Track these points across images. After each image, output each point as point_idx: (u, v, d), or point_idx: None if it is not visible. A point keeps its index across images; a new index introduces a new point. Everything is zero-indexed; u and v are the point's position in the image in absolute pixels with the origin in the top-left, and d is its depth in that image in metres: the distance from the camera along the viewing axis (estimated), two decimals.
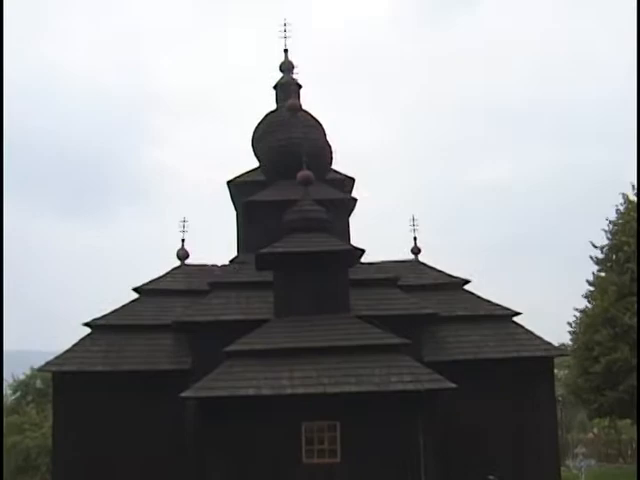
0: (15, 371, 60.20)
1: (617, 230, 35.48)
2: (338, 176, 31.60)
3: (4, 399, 53.22)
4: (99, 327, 27.47)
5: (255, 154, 32.72)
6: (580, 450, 16.00)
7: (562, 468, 26.68)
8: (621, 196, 36.08)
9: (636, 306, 31.72)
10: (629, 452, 46.36)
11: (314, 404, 21.69)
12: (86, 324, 27.63)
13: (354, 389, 21.77)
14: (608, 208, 36.55)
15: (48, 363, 26.78)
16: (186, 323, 26.13)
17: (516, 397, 26.38)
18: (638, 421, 19.58)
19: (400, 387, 21.89)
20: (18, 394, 59.52)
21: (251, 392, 21.84)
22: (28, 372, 59.39)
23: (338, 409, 21.81)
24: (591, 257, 36.25)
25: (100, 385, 25.70)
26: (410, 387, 21.85)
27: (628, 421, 38.86)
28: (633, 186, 35.62)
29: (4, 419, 47.48)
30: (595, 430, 50.90)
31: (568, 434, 52.11)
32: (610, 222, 35.96)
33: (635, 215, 34.26)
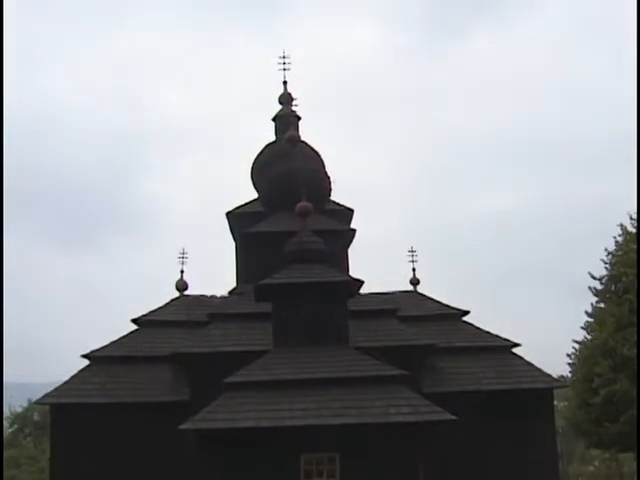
0: (12, 403, 59.87)
1: (616, 261, 35.51)
2: (337, 207, 31.73)
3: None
4: (97, 359, 27.44)
5: (254, 185, 32.93)
6: None
7: None
8: (619, 227, 36.17)
9: (636, 337, 31.64)
10: None
11: (313, 436, 21.53)
12: (84, 356, 27.61)
13: (353, 421, 21.63)
14: (607, 239, 36.65)
15: (46, 395, 26.69)
16: (185, 354, 26.07)
17: (516, 429, 26.28)
18: (638, 454, 19.39)
19: (399, 419, 21.76)
20: (15, 427, 59.17)
21: (250, 424, 21.68)
22: (25, 404, 59.11)
23: (337, 441, 21.66)
24: (590, 288, 36.24)
25: (98, 417, 25.61)
26: (409, 419, 21.73)
27: (630, 454, 38.64)
28: (631, 217, 35.73)
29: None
30: (596, 463, 50.58)
31: (569, 466, 51.80)
32: (609, 253, 36.00)
33: (633, 246, 34.34)
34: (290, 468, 21.49)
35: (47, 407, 30.45)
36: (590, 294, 36.29)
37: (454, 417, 21.72)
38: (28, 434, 57.88)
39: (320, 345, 24.10)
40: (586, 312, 36.42)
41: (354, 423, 21.61)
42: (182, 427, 22.13)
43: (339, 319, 24.87)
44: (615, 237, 36.17)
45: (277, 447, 21.66)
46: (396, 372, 23.25)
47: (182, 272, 30.85)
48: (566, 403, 42.84)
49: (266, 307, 25.65)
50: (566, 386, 34.97)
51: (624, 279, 34.07)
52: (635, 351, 31.71)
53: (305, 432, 21.50)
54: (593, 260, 37.26)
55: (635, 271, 33.06)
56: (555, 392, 29.04)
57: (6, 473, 48.70)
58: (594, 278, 36.11)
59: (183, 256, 31.07)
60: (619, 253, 35.49)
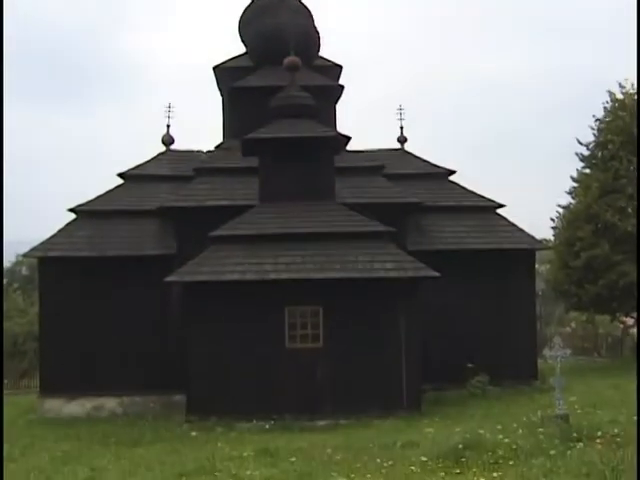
0: None
1: (603, 128, 35.21)
2: (326, 63, 31.02)
3: None
4: (84, 213, 27.22)
5: (242, 39, 31.98)
6: (557, 340, 16.07)
7: (539, 360, 27.07)
8: (607, 94, 35.68)
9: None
10: (604, 347, 47.23)
11: (298, 290, 21.67)
12: (71, 210, 27.37)
13: (337, 275, 21.76)
14: (596, 106, 36.23)
15: (33, 249, 26.58)
16: (171, 208, 25.95)
17: (497, 288, 26.57)
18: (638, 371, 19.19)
19: (383, 274, 21.87)
20: (4, 282, 59.70)
21: (235, 277, 21.75)
22: (14, 260, 59.51)
23: (321, 295, 21.81)
24: (576, 154, 36.06)
25: (85, 270, 25.64)
26: (393, 274, 21.84)
27: (605, 317, 39.39)
28: (620, 84, 35.27)
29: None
30: (573, 324, 51.66)
31: (546, 328, 52.92)
32: (597, 120, 35.64)
33: (621, 113, 34.04)
34: (275, 320, 21.70)
35: (35, 261, 30.42)
36: (576, 159, 36.16)
37: (437, 274, 21.84)
38: (17, 288, 58.51)
39: (306, 200, 23.90)
40: (571, 177, 36.41)
41: (338, 277, 21.73)
42: (168, 279, 22.23)
43: (326, 175, 24.60)
44: (603, 104, 35.76)
45: (262, 300, 21.80)
46: (381, 228, 23.21)
47: (168, 127, 30.24)
48: (548, 266, 43.35)
49: (253, 162, 25.35)
50: (548, 248, 35.22)
51: (610, 146, 33.93)
52: (617, 218, 31.89)
53: (289, 285, 21.62)
54: (581, 126, 36.98)
55: (621, 139, 33.00)
56: (537, 256, 29.14)
57: None
58: (581, 144, 35.89)
59: (169, 111, 30.40)
60: (607, 120, 35.15)
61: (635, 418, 12.65)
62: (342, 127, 28.90)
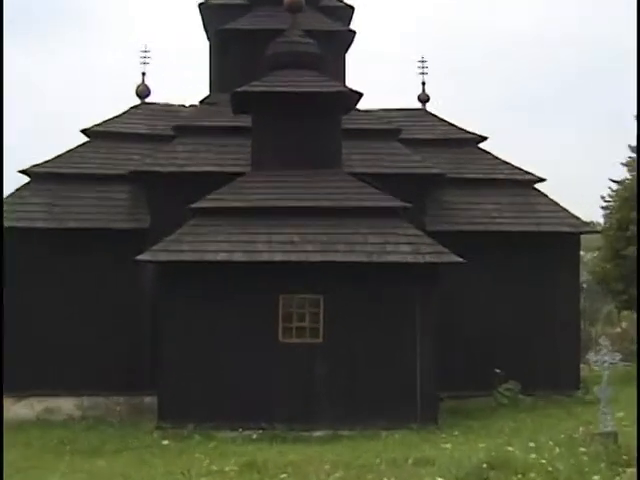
0: None
1: None
2: (334, 3, 31.13)
3: None
4: (40, 175, 27.14)
5: None
6: (604, 342, 16.02)
7: (581, 366, 27.09)
8: None
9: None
10: None
11: (295, 275, 21.74)
12: (22, 172, 27.24)
13: (342, 259, 21.81)
14: None
15: None
16: (145, 173, 25.99)
17: (533, 279, 26.59)
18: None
19: (397, 259, 21.90)
20: None
21: (220, 257, 21.78)
22: None
23: (323, 281, 21.85)
24: (636, 117, 35.80)
25: (42, 244, 25.55)
26: (408, 259, 21.86)
27: None
28: None
29: None
30: (624, 324, 51.45)
31: (592, 327, 52.76)
32: None
33: None
34: (267, 310, 21.75)
35: None
36: (635, 124, 35.88)
37: (461, 260, 21.87)
38: None
39: (307, 168, 23.91)
40: (629, 146, 36.10)
41: (343, 261, 21.77)
42: (139, 258, 22.27)
43: (331, 138, 24.62)
44: None
45: (252, 286, 21.83)
46: (396, 204, 23.25)
47: (144, 75, 30.05)
48: (594, 254, 43.14)
49: (245, 120, 25.40)
50: (596, 232, 34.95)
51: None
52: None
53: (285, 269, 21.68)
54: None
55: None
56: (583, 241, 28.94)
57: None
58: None
59: (145, 56, 30.29)
60: None
61: None
62: (353, 81, 28.80)
